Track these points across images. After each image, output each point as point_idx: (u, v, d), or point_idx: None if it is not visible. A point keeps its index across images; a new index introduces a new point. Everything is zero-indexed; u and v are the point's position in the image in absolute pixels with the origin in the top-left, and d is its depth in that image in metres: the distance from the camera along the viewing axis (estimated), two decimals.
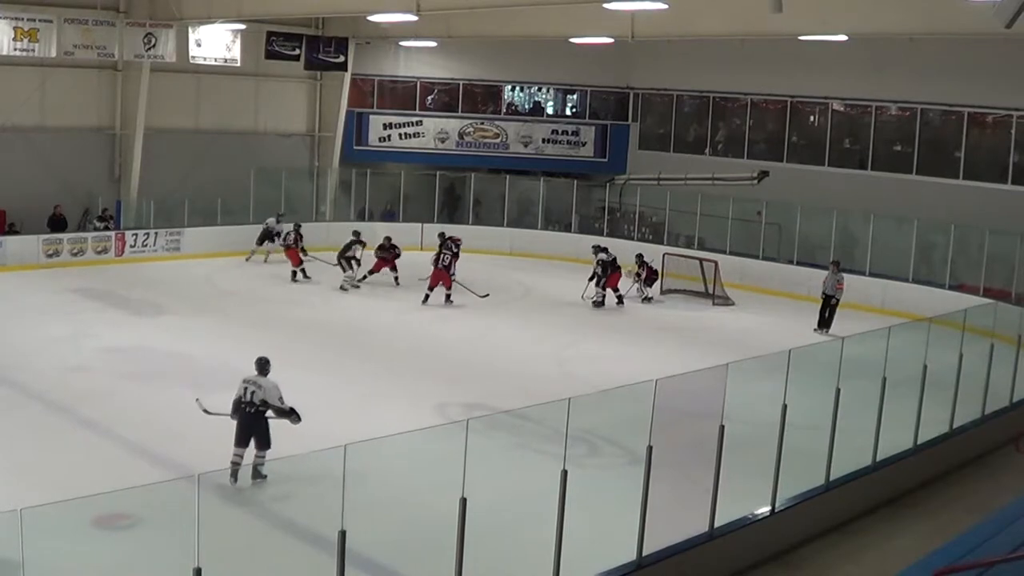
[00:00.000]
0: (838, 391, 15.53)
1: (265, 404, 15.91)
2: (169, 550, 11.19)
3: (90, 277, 31.91)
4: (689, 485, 13.60)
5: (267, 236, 36.46)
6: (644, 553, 12.55)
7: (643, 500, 12.43)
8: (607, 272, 31.81)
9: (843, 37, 30.57)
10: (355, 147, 43.47)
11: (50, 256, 33.46)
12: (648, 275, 33.02)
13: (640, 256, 34.27)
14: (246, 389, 16.10)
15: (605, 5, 26.78)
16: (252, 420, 15.94)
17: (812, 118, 40.63)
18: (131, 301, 29.11)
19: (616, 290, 32.16)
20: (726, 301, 33.17)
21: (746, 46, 36.38)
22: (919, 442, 17.86)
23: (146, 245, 35.59)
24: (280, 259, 35.18)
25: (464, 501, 10.66)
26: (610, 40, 35.61)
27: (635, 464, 12.93)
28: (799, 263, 35.41)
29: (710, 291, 33.52)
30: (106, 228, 35.34)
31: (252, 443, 15.94)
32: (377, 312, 29.72)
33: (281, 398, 15.92)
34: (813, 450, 15.69)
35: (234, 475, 15.57)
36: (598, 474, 16.27)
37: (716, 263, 33.66)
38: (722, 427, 13.37)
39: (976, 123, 35.83)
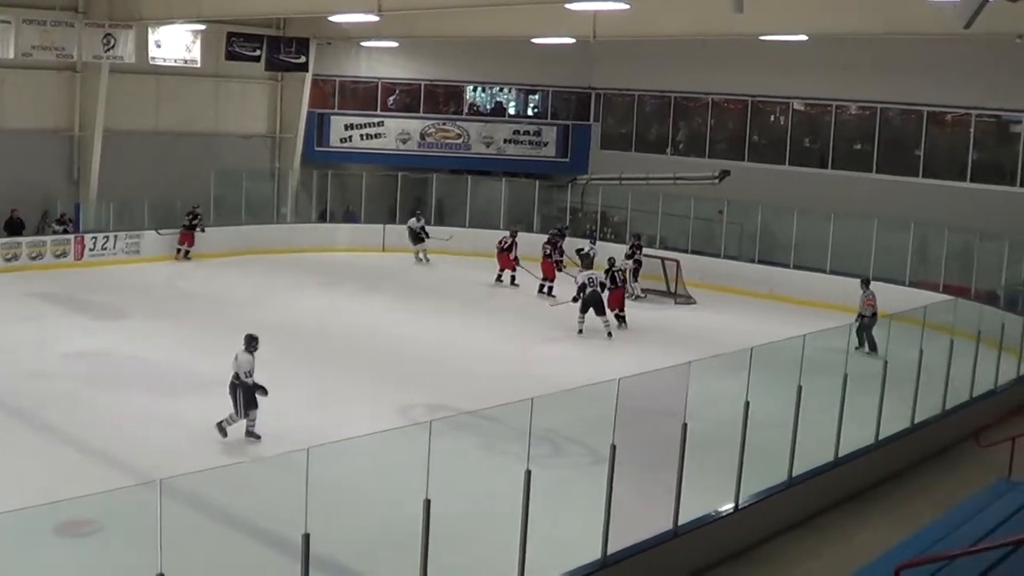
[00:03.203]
0: (800, 388, 15.60)
1: (236, 376, 17.95)
2: (132, 556, 11.13)
3: (49, 281, 31.69)
4: (653, 483, 13.63)
5: (416, 236, 38.52)
6: (609, 552, 12.56)
7: (607, 499, 12.44)
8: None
9: (804, 37, 30.66)
10: (316, 148, 43.31)
11: (8, 260, 33.20)
12: (637, 267, 33.38)
13: (637, 238, 34.66)
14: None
15: (567, 5, 26.75)
16: (231, 388, 18.08)
17: (773, 117, 40.82)
18: (92, 305, 28.96)
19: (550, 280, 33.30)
20: (688, 300, 33.29)
21: (707, 46, 36.52)
22: (880, 437, 17.97)
23: (105, 248, 35.37)
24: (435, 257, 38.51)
25: (428, 503, 10.65)
26: (572, 40, 35.67)
27: (599, 463, 12.95)
28: (760, 262, 35.64)
29: (672, 290, 33.64)
30: (65, 231, 35.10)
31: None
32: (340, 314, 29.66)
33: (247, 372, 17.97)
34: (776, 447, 15.76)
35: (220, 429, 18.14)
36: (562, 474, 16.31)
37: (678, 262, 33.76)
38: (685, 425, 13.40)
39: (935, 122, 36.09)
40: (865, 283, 27.85)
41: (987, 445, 18.98)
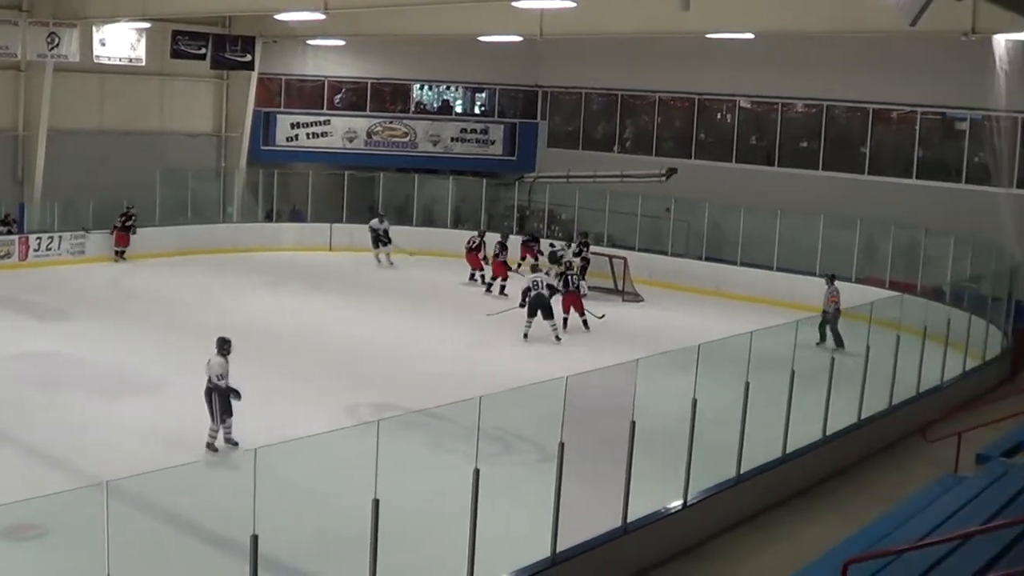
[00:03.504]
0: (747, 385, 15.65)
1: (210, 381, 17.61)
2: (79, 559, 11.05)
3: None
4: (602, 481, 13.64)
5: (378, 238, 37.85)
6: (558, 549, 12.57)
7: (556, 497, 12.44)
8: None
9: (750, 35, 30.80)
10: (262, 147, 43.09)
11: None
12: (584, 265, 33.35)
13: (584, 236, 34.85)
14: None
15: (514, 3, 26.78)
16: (206, 394, 17.68)
17: (719, 115, 40.98)
18: (36, 306, 28.65)
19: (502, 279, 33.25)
20: (635, 297, 33.35)
21: (654, 44, 36.58)
22: (828, 433, 18.09)
23: (50, 249, 35.00)
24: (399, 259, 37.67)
25: (377, 502, 10.61)
26: (519, 38, 35.63)
27: (548, 461, 12.94)
28: (707, 259, 35.76)
29: (619, 287, 33.68)
30: (9, 232, 34.71)
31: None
32: (287, 313, 29.47)
33: (220, 376, 17.62)
34: (724, 443, 15.81)
35: (208, 448, 17.53)
36: (511, 472, 16.29)
37: (625, 260, 33.85)
38: (633, 423, 13.41)
39: (881, 119, 36.34)
40: (830, 279, 27.97)
41: (933, 440, 19.18)
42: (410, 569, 12.64)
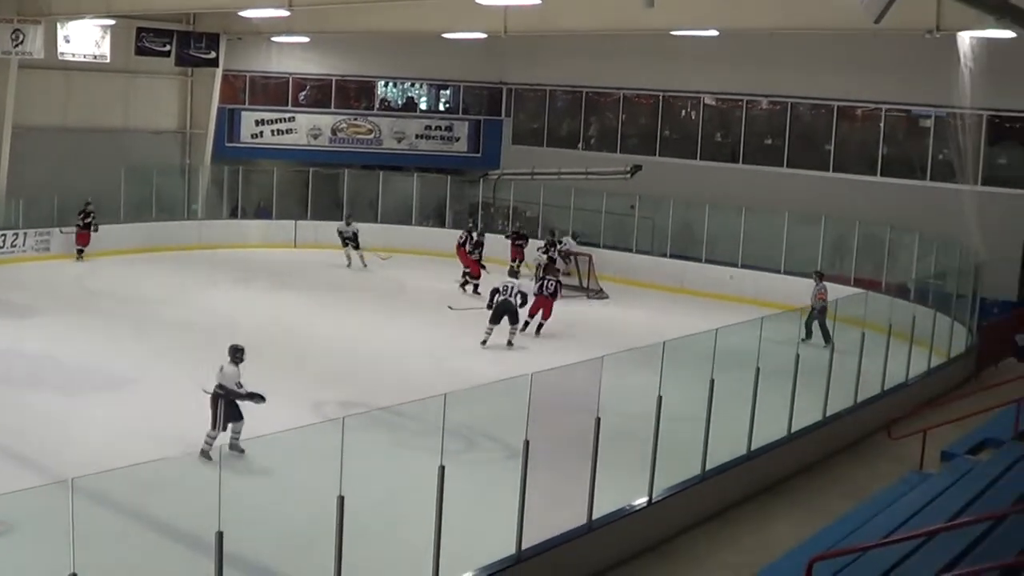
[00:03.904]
0: (712, 382, 15.67)
1: (223, 388, 17.17)
2: (44, 556, 10.97)
3: None
4: (567, 478, 13.63)
5: (345, 240, 37.18)
6: (523, 547, 12.56)
7: (521, 494, 12.44)
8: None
9: (714, 32, 30.85)
10: (227, 144, 42.87)
11: None
12: (550, 263, 33.10)
13: (552, 235, 34.92)
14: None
15: (478, 0, 26.73)
16: (216, 402, 17.24)
17: (684, 112, 40.99)
18: (1, 304, 28.49)
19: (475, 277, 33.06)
20: (600, 294, 33.39)
21: (618, 41, 36.60)
22: (793, 430, 18.12)
23: (15, 246, 34.80)
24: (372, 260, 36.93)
25: (342, 499, 10.58)
26: (483, 35, 35.57)
27: (513, 458, 12.94)
28: (672, 256, 35.82)
29: (584, 284, 33.69)
30: None
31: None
32: (253, 310, 29.33)
33: (238, 383, 17.20)
34: (689, 441, 15.82)
35: (203, 454, 16.47)
36: (476, 469, 16.26)
37: (590, 256, 33.90)
38: (598, 420, 13.41)
39: (845, 116, 36.50)
40: (819, 276, 27.99)
41: (898, 438, 19.27)
42: (375, 566, 12.62)
